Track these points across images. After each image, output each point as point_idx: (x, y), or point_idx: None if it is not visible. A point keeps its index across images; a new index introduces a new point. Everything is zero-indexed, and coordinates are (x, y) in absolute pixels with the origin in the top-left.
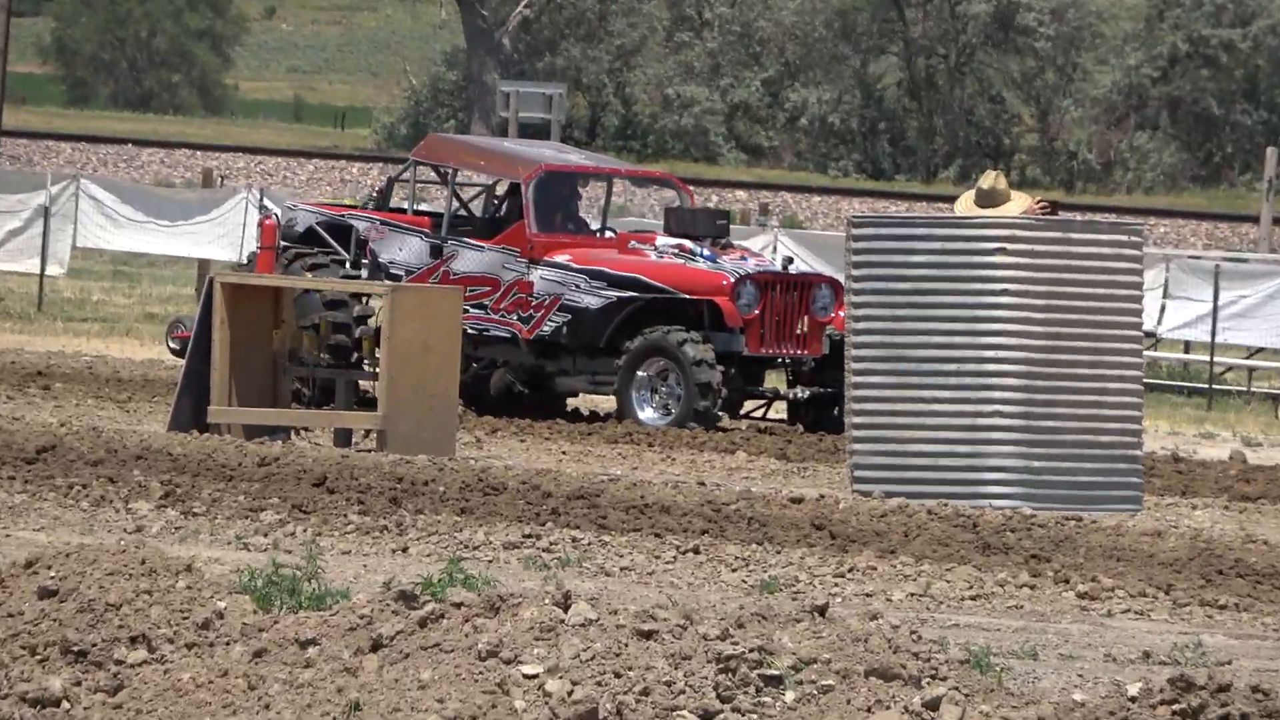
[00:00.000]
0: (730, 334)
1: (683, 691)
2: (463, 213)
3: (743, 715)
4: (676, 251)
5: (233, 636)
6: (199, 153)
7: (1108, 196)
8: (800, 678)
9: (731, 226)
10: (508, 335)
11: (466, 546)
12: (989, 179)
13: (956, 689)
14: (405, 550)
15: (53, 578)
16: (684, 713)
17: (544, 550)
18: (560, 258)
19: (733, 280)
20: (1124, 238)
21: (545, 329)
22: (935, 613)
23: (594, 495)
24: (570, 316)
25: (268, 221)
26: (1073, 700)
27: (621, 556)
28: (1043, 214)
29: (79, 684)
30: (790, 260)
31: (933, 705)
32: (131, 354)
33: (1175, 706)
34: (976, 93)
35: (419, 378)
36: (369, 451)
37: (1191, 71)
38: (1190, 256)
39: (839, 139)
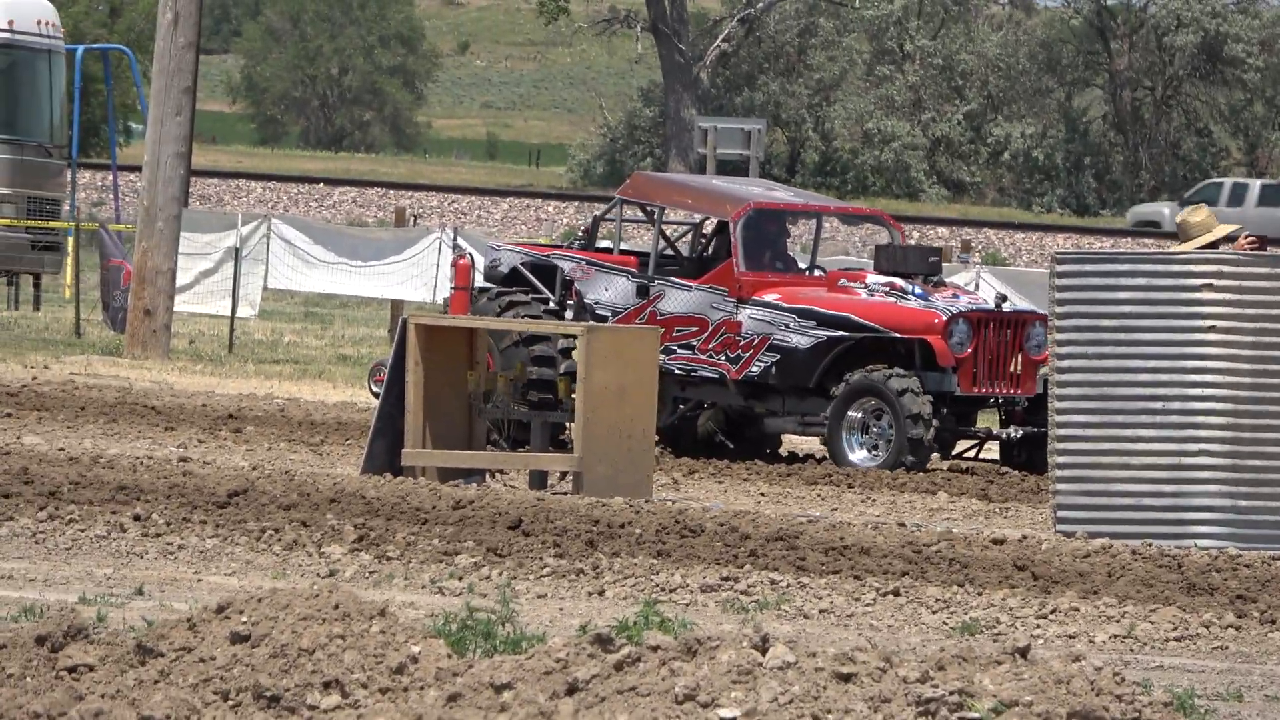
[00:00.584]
0: (942, 373)
1: None
2: (669, 252)
3: None
4: (887, 290)
5: (427, 681)
6: (391, 191)
7: None
8: None
9: None
10: (715, 376)
11: (663, 589)
12: (1199, 213)
13: None
14: (601, 593)
15: (245, 622)
16: None
17: (741, 593)
18: (769, 296)
19: (945, 319)
20: None
21: (754, 369)
22: (1139, 654)
23: (793, 537)
24: (779, 356)
25: (461, 261)
26: None
27: (820, 599)
28: (1251, 249)
29: None
30: (1004, 298)
31: None
32: (324, 396)
33: None
34: (1183, 125)
35: (615, 419)
36: (565, 494)
37: None
38: None
39: (1043, 174)
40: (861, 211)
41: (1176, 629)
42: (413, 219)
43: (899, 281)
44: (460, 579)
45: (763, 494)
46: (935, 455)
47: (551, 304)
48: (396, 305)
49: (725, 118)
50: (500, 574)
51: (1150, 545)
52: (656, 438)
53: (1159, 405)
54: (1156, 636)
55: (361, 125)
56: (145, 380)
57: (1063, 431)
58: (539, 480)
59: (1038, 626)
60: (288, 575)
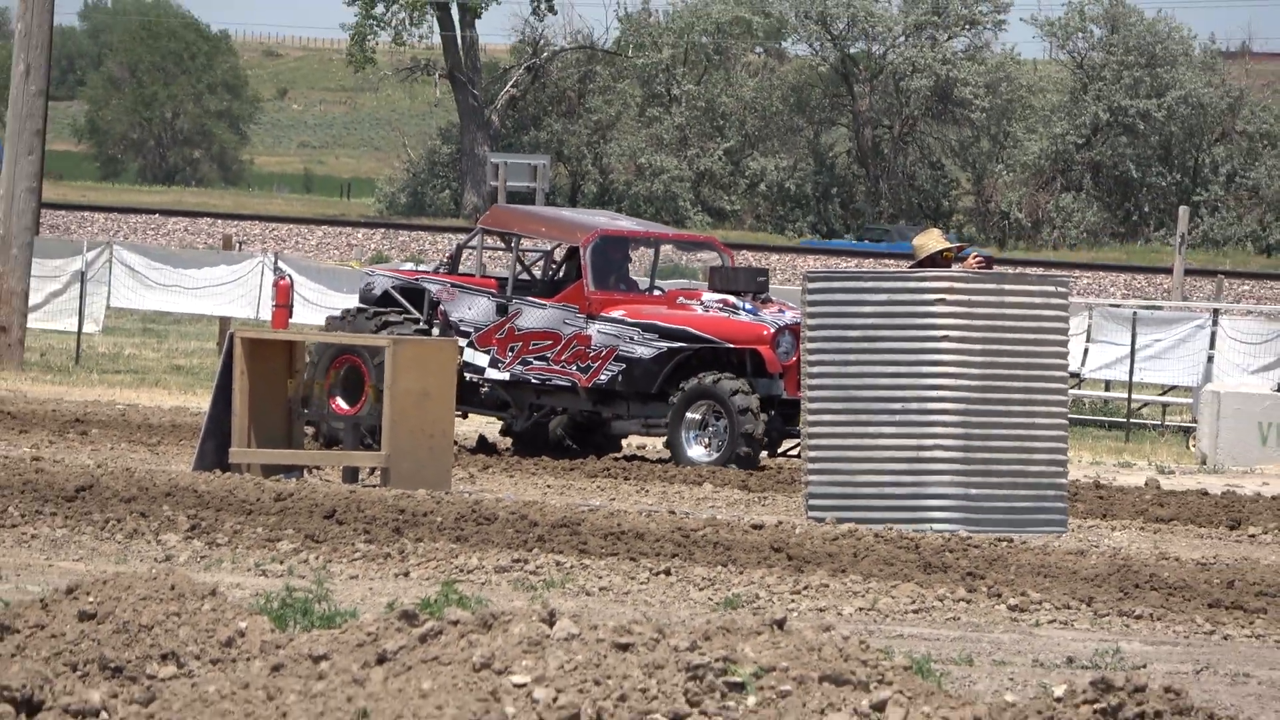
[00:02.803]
0: (771, 379)
1: (656, 697)
2: (524, 276)
3: (710, 718)
4: (721, 306)
5: (253, 653)
6: (219, 220)
7: (1036, 252)
8: (761, 684)
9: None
10: (568, 384)
11: (462, 571)
12: (930, 235)
13: (901, 692)
14: (407, 574)
15: (91, 602)
16: (657, 716)
17: (531, 573)
18: (615, 313)
19: (773, 330)
20: (1051, 288)
21: (602, 377)
22: (881, 625)
23: (575, 524)
24: (625, 366)
25: (281, 282)
26: (1004, 701)
27: (600, 578)
28: (980, 268)
29: (115, 696)
30: None
31: (879, 707)
32: (160, 402)
33: (1096, 706)
34: (918, 159)
35: (418, 421)
36: (374, 487)
37: (1112, 138)
38: (1110, 305)
39: (794, 203)
40: (696, 238)
41: (914, 602)
42: (238, 245)
43: (731, 299)
44: (281, 563)
45: (549, 486)
46: (764, 454)
47: (420, 323)
48: (224, 321)
49: (514, 154)
50: (317, 558)
51: (891, 529)
52: (511, 440)
53: (898, 405)
54: (897, 609)
55: (192, 162)
56: (1, 389)
57: (814, 429)
58: (351, 475)
59: (793, 601)
60: (129, 560)
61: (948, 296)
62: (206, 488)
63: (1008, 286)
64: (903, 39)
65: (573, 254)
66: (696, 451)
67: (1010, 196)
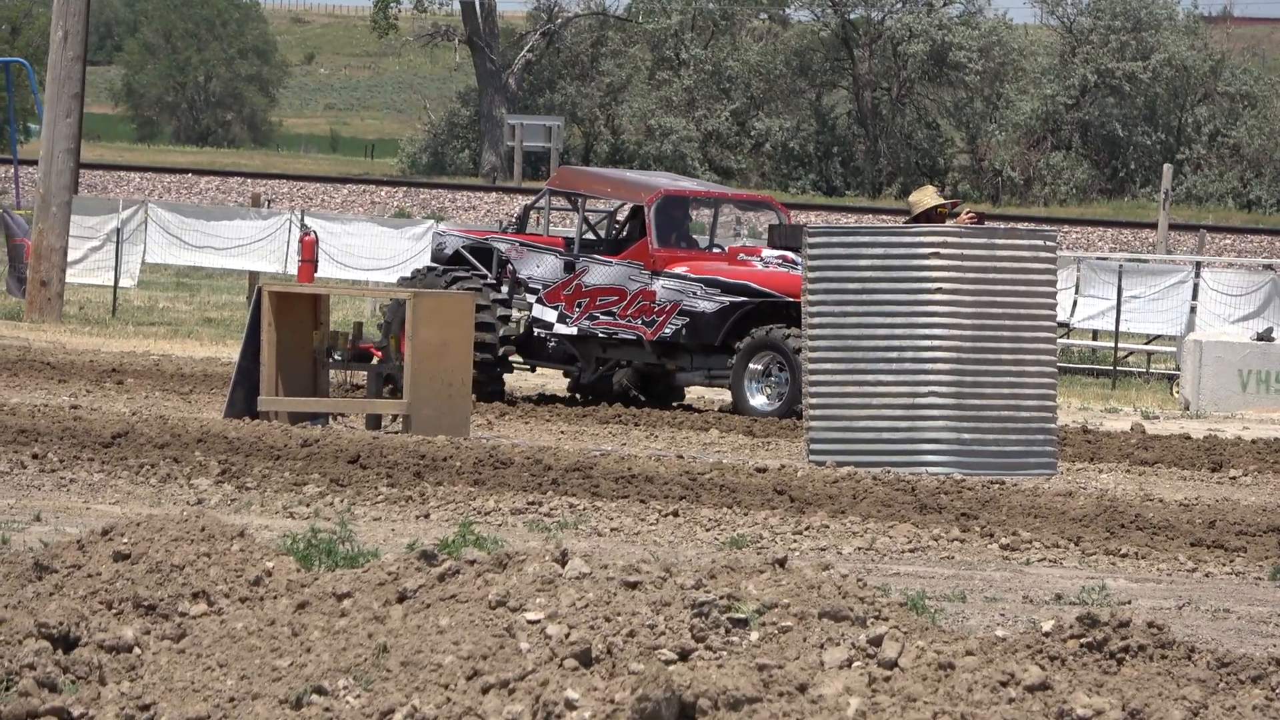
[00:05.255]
0: None
1: (663, 633)
2: (589, 235)
3: (714, 653)
4: (780, 261)
5: (279, 591)
6: (249, 180)
7: (1028, 208)
8: (763, 620)
9: None
10: (633, 338)
11: (479, 513)
12: (925, 192)
13: (897, 627)
14: (427, 516)
15: (126, 544)
16: (664, 651)
17: (545, 515)
18: (679, 269)
19: None
20: (1040, 243)
21: (667, 331)
22: (879, 563)
23: (588, 468)
24: (688, 320)
25: (307, 238)
26: (995, 635)
27: (611, 519)
28: (972, 224)
29: (149, 633)
30: None
31: (876, 641)
32: (192, 353)
33: (1083, 640)
34: (915, 120)
35: (438, 370)
36: (396, 434)
37: (1100, 99)
38: (1098, 258)
39: (797, 161)
40: (755, 198)
41: (910, 542)
42: (267, 203)
43: (790, 255)
44: (308, 505)
45: (563, 432)
46: None
47: (489, 279)
48: (253, 275)
49: (530, 116)
50: (341, 501)
51: (888, 472)
52: (578, 394)
53: (894, 355)
54: (894, 548)
55: (224, 124)
56: (42, 340)
57: (814, 378)
58: (374, 422)
59: (794, 541)
60: (162, 504)
61: (941, 251)
62: (236, 434)
63: (998, 241)
64: (900, 5)
65: (636, 213)
66: (759, 401)
67: (1003, 155)
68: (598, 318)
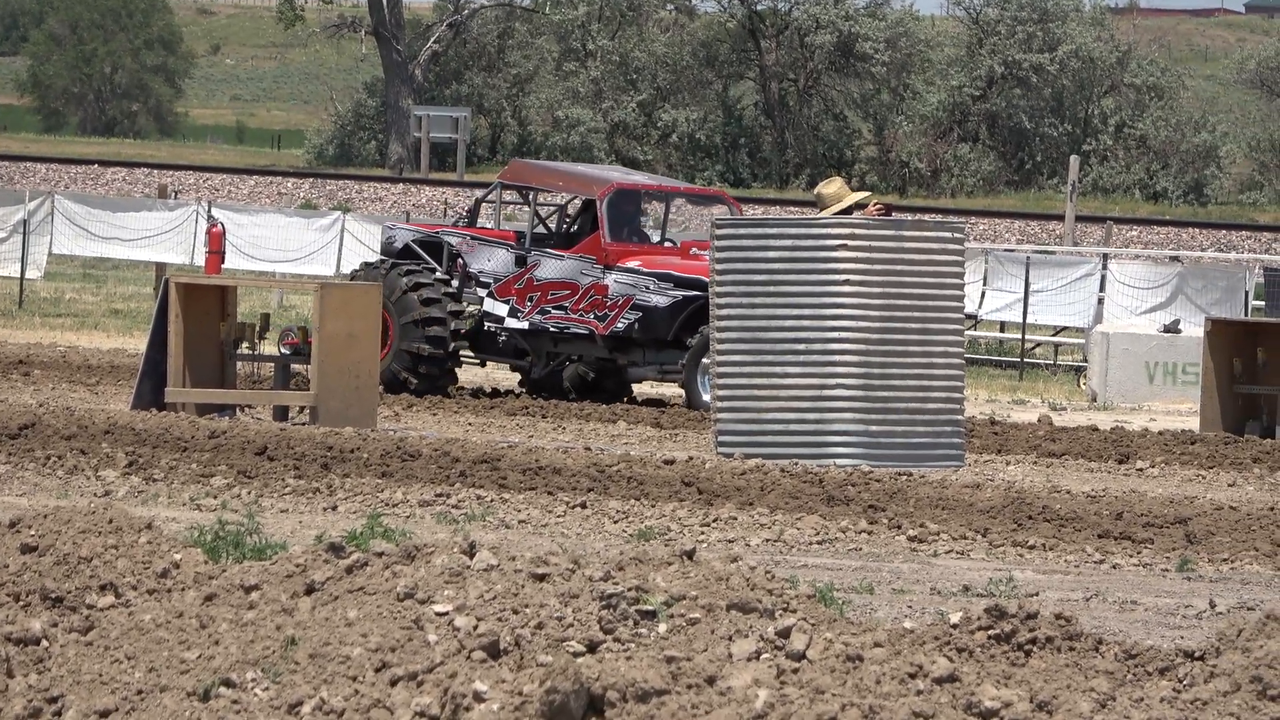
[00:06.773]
0: None
1: (571, 625)
2: (540, 229)
3: (623, 645)
4: None
5: (187, 583)
6: (155, 171)
7: (935, 199)
8: (671, 612)
9: None
10: (585, 332)
11: (387, 505)
12: (833, 184)
13: (805, 619)
14: (335, 508)
15: (33, 535)
16: (572, 643)
17: (453, 507)
18: (631, 264)
19: None
20: (948, 234)
21: (619, 325)
22: (787, 555)
23: (495, 460)
24: (641, 314)
25: (214, 229)
26: (903, 627)
27: (519, 512)
28: (879, 215)
29: (56, 625)
30: None
31: (784, 634)
32: (99, 344)
33: (991, 632)
34: (822, 111)
35: (345, 362)
36: (303, 425)
37: (1006, 90)
38: (1005, 250)
39: (704, 153)
40: (706, 192)
41: (818, 534)
42: (174, 194)
43: None
44: (215, 497)
45: (470, 424)
46: None
47: (439, 274)
48: (160, 267)
49: (437, 107)
50: (249, 493)
51: (796, 464)
52: (524, 389)
53: (802, 346)
54: (802, 540)
55: (130, 115)
56: None
57: (722, 369)
58: (281, 414)
59: (702, 533)
60: (69, 495)
61: (849, 242)
62: (144, 426)
63: (906, 232)
64: None
65: (588, 207)
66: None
67: (910, 146)
68: (549, 312)
